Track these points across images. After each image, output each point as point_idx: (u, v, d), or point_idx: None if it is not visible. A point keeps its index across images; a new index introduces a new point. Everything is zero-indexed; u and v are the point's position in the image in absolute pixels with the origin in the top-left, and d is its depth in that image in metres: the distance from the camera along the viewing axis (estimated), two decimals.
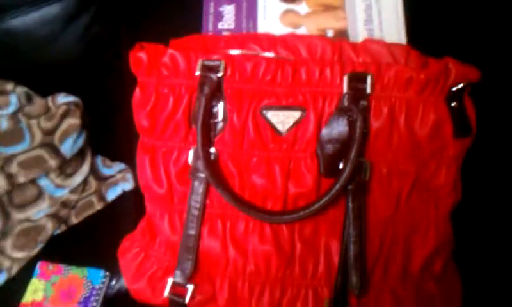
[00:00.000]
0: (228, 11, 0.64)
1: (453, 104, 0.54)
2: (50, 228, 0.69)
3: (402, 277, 0.55)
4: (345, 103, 0.53)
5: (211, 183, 0.53)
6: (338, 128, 0.53)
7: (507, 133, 0.68)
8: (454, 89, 0.54)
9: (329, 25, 0.62)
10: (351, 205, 0.54)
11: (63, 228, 0.70)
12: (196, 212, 0.55)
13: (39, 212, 0.70)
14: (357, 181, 0.53)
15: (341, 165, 0.53)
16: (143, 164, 0.57)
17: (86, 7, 0.72)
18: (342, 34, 0.62)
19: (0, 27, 0.72)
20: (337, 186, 0.51)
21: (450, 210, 0.56)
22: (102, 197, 0.72)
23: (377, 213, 0.55)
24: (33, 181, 0.69)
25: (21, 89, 0.73)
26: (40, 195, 0.70)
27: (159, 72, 0.55)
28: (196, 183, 0.55)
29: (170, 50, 0.55)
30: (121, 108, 0.61)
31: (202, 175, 0.54)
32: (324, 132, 0.54)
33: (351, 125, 0.53)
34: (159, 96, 0.55)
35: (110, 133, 0.75)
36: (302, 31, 0.62)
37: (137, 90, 0.56)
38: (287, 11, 0.63)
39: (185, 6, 0.66)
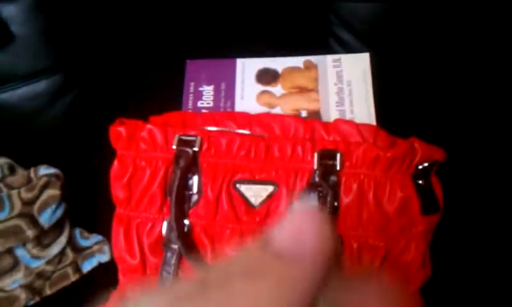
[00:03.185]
0: (208, 91, 0.67)
1: (420, 182, 0.56)
2: (23, 298, 0.68)
3: None
4: (316, 179, 0.55)
5: (183, 255, 0.54)
6: (309, 202, 0.55)
7: (473, 212, 0.70)
8: (419, 167, 0.56)
9: (303, 106, 0.65)
10: None
11: (37, 299, 0.70)
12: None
13: (13, 282, 0.69)
14: None
15: None
16: (117, 235, 0.58)
17: (72, 85, 0.75)
18: (315, 115, 0.65)
19: None
20: None
21: (420, 285, 0.57)
22: (77, 269, 0.71)
23: None
24: (10, 251, 0.69)
25: (4, 161, 0.74)
26: (15, 265, 0.70)
27: (137, 146, 0.57)
28: (169, 254, 0.55)
29: (148, 125, 0.57)
30: (101, 181, 0.62)
31: (175, 247, 0.55)
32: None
33: (322, 200, 0.54)
34: (136, 169, 0.57)
35: (89, 205, 0.76)
36: (277, 111, 0.65)
37: (115, 163, 0.58)
38: (263, 92, 0.67)
39: (167, 85, 0.70)
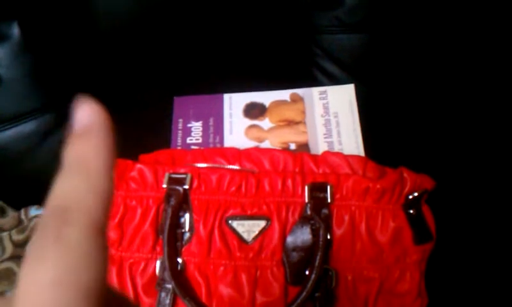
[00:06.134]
0: (196, 127, 0.68)
1: (411, 212, 0.57)
2: None
3: None
4: (308, 212, 0.55)
5: (177, 294, 0.54)
6: (302, 236, 0.55)
7: (466, 238, 0.70)
8: (410, 197, 0.57)
9: (292, 139, 0.66)
10: None
11: None
12: None
13: None
14: (324, 289, 0.54)
15: (307, 273, 0.54)
16: (109, 276, 0.57)
17: (61, 124, 0.75)
18: (303, 147, 0.65)
19: None
20: (303, 294, 0.52)
21: None
22: None
23: None
24: (1, 294, 0.68)
25: None
26: None
27: (127, 186, 0.57)
28: (163, 294, 0.55)
29: (138, 165, 0.57)
30: None
31: (169, 286, 0.55)
32: (289, 240, 0.55)
33: (315, 233, 0.55)
34: (127, 209, 0.57)
35: None
36: (266, 144, 0.66)
37: None
38: (251, 126, 0.67)
39: (155, 123, 0.70)
